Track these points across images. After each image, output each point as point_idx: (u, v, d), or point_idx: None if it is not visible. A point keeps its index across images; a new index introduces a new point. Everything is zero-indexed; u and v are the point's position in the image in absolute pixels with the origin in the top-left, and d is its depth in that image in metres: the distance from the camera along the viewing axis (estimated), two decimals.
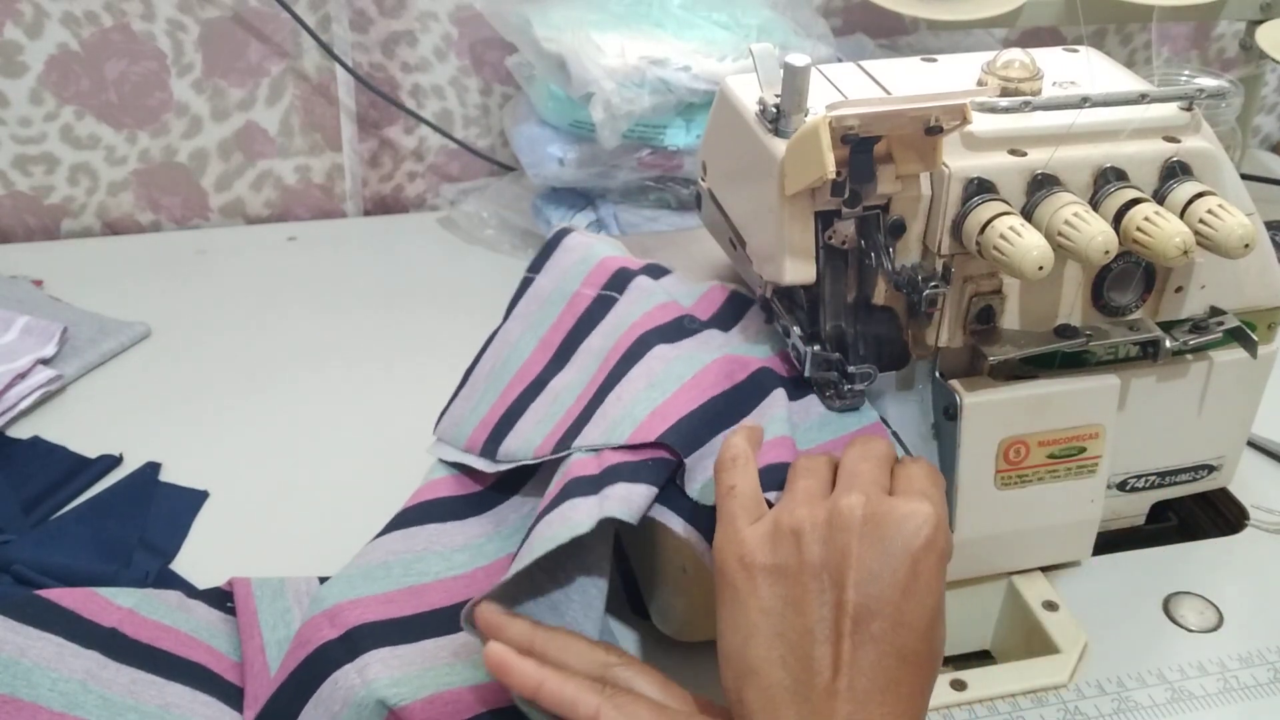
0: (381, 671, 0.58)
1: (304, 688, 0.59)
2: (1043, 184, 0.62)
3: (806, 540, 0.51)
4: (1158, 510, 0.76)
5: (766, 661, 0.50)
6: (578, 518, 0.57)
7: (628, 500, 0.58)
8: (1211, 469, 0.74)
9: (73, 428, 0.83)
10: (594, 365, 0.69)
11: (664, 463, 0.60)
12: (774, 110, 0.62)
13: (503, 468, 0.69)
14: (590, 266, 0.74)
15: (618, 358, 0.67)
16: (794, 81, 0.61)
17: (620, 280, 0.72)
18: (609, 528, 0.59)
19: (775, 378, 0.65)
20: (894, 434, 0.65)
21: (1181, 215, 0.62)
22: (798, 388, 0.65)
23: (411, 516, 0.69)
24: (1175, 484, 0.74)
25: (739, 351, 0.68)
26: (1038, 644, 0.68)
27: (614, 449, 0.62)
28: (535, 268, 0.77)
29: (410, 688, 0.57)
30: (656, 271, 0.74)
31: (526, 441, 0.68)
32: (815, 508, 0.52)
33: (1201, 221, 0.61)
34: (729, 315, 0.72)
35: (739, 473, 0.55)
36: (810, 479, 0.54)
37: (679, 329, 0.69)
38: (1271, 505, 0.78)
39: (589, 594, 0.60)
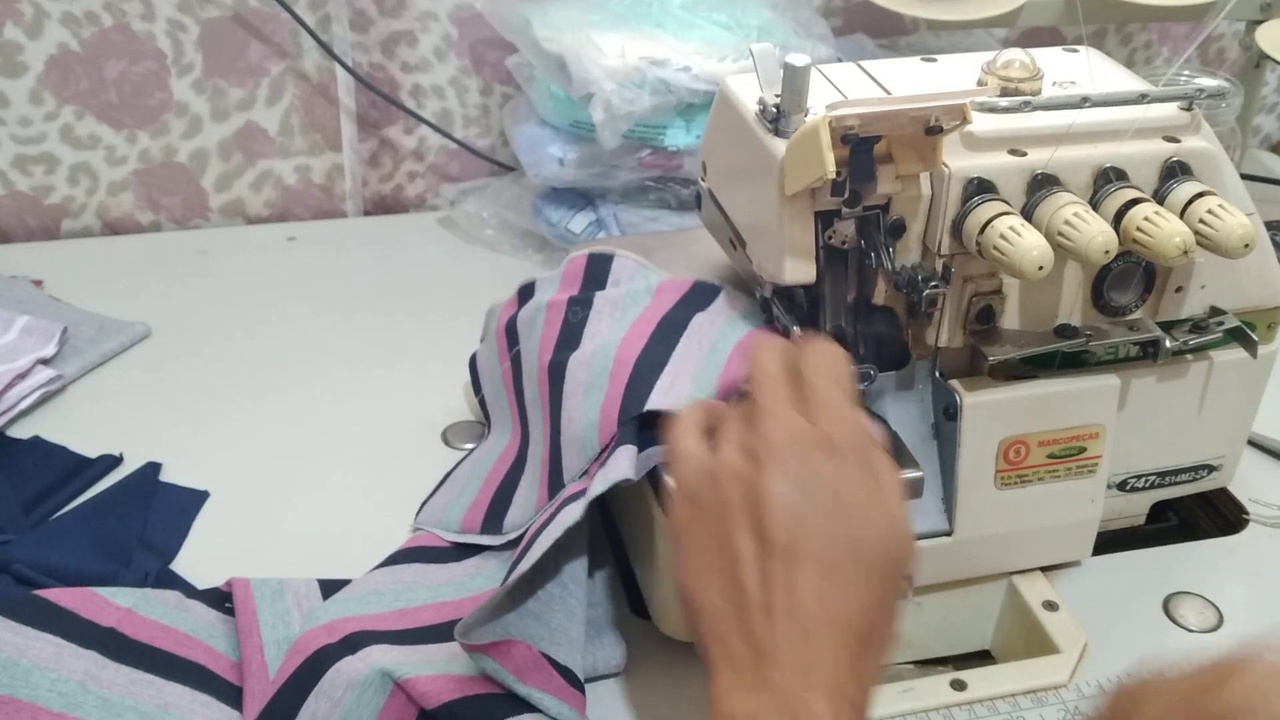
0: (384, 655, 0.59)
1: (305, 683, 0.59)
2: (1043, 184, 0.62)
3: (724, 482, 0.51)
4: (1158, 510, 0.76)
5: (707, 594, 0.50)
6: (570, 515, 0.58)
7: (606, 473, 0.60)
8: (1211, 469, 0.74)
9: (73, 428, 0.83)
10: (537, 412, 0.71)
11: (633, 425, 0.62)
12: (774, 110, 0.62)
13: (510, 536, 0.70)
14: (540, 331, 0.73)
15: (546, 390, 0.69)
16: (794, 81, 0.61)
17: (564, 340, 0.71)
18: (584, 530, 0.61)
19: (693, 303, 0.68)
20: (894, 434, 0.65)
21: (1181, 215, 0.62)
22: (709, 294, 0.69)
23: (398, 558, 0.71)
24: (1175, 484, 0.74)
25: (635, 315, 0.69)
26: (1038, 644, 0.68)
27: (595, 460, 0.63)
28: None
29: (412, 667, 0.59)
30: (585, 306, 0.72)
31: (527, 504, 0.70)
32: (731, 452, 0.52)
33: (1201, 221, 0.61)
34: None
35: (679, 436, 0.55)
36: (730, 424, 0.54)
37: (570, 332, 0.70)
38: (1269, 501, 0.78)
39: (568, 603, 0.62)
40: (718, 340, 0.65)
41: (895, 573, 0.50)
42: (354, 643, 0.61)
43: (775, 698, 0.46)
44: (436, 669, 0.59)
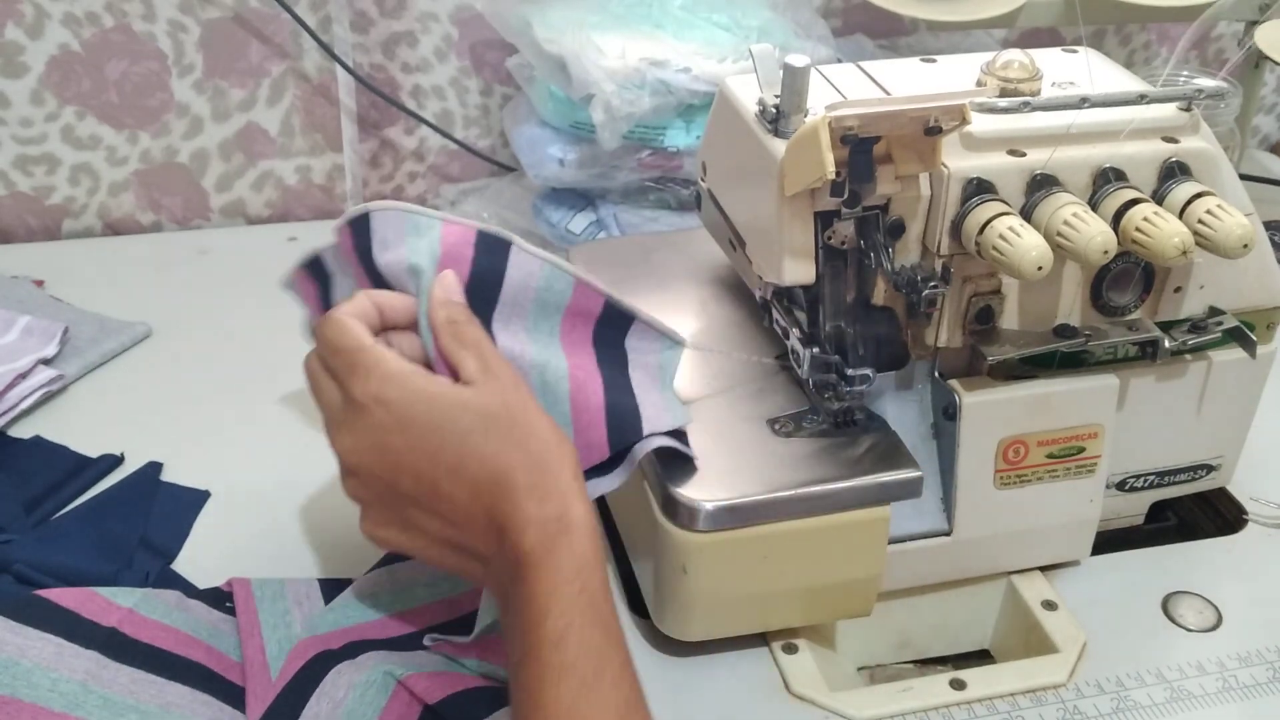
0: (384, 659, 0.59)
1: (306, 686, 0.59)
2: (1042, 184, 0.62)
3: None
4: (1157, 510, 0.77)
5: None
6: None
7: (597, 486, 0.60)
8: (1210, 469, 0.74)
9: (74, 428, 0.83)
10: None
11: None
12: (774, 111, 0.62)
13: None
14: None
15: None
16: (794, 82, 0.61)
17: None
18: None
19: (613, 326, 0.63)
20: (894, 434, 0.65)
21: (1180, 215, 0.62)
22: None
23: (393, 557, 0.70)
24: (1174, 484, 0.74)
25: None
26: (1037, 643, 0.69)
27: None
28: None
29: (413, 668, 0.59)
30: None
31: None
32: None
33: (1200, 222, 0.61)
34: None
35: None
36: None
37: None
38: (1269, 501, 0.78)
39: None
40: (664, 368, 0.64)
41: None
42: (354, 650, 0.61)
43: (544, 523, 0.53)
44: (437, 667, 0.60)
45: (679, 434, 0.62)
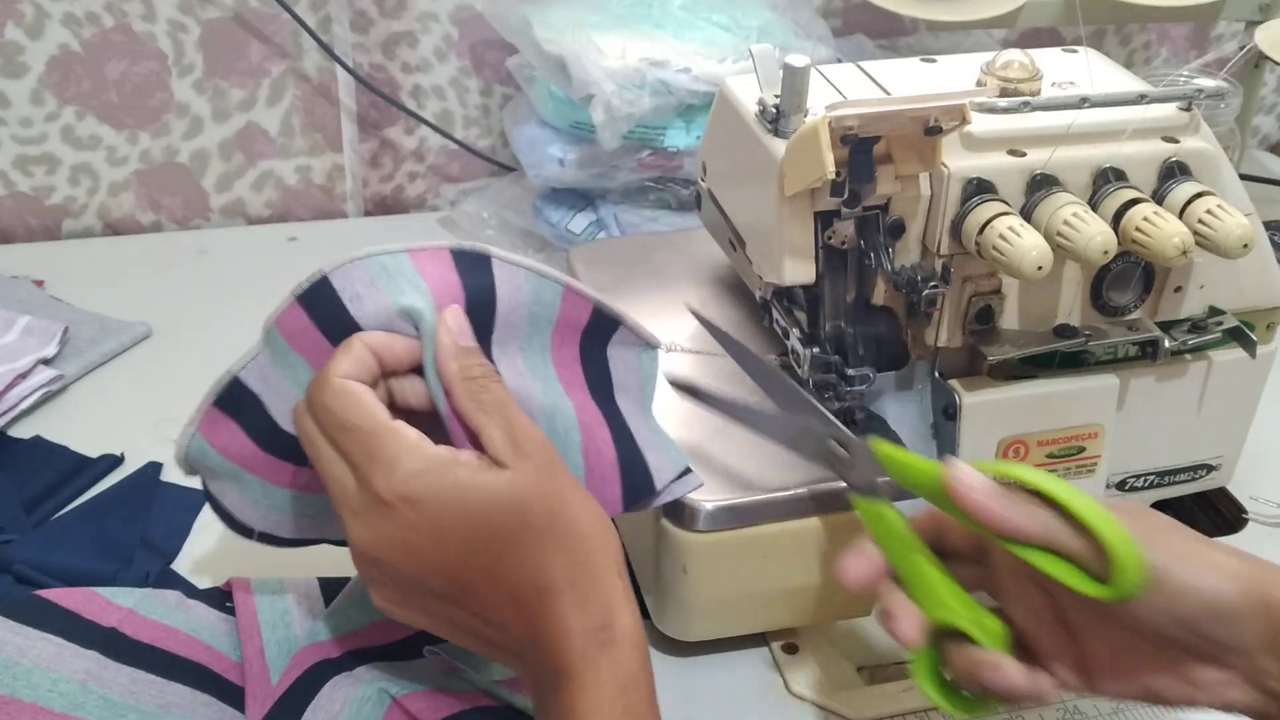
0: (381, 672, 0.59)
1: (303, 697, 0.59)
2: (1042, 184, 0.62)
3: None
4: (1157, 509, 0.76)
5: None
6: None
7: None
8: (1210, 469, 0.74)
9: (74, 427, 0.83)
10: None
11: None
12: (774, 111, 0.62)
13: None
14: None
15: None
16: (794, 82, 0.61)
17: None
18: None
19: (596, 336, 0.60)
20: (894, 433, 0.65)
21: (1180, 215, 0.62)
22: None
23: None
24: (1174, 483, 0.74)
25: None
26: None
27: None
28: None
29: (409, 684, 0.59)
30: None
31: None
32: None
33: (1200, 222, 0.61)
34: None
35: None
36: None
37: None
38: (1269, 500, 0.78)
39: None
40: (644, 387, 0.62)
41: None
42: (353, 660, 0.60)
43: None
44: (435, 683, 0.59)
45: (684, 473, 0.61)
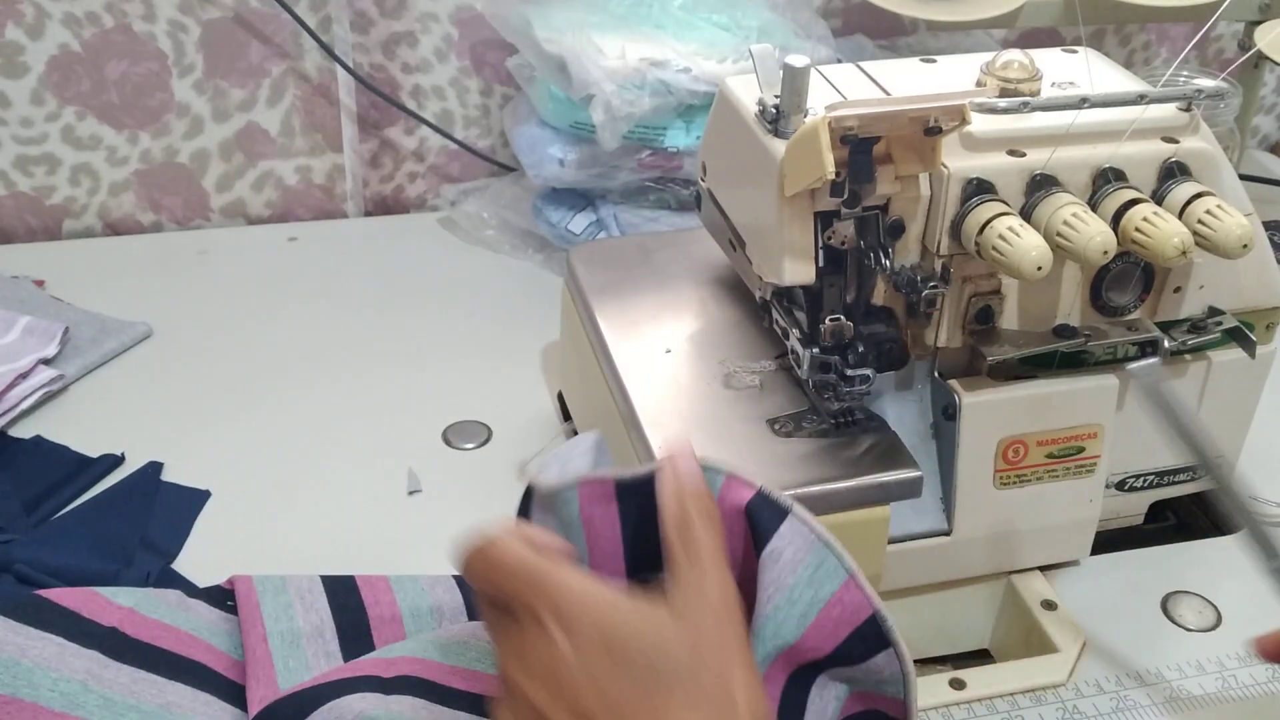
0: (373, 705, 0.57)
1: (322, 696, 0.58)
2: (1041, 184, 0.62)
3: None
4: (1156, 509, 0.77)
5: None
6: None
7: None
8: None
9: (74, 427, 0.83)
10: None
11: None
12: (774, 111, 0.62)
13: None
14: None
15: None
16: (793, 82, 0.61)
17: None
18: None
19: None
20: (894, 434, 0.65)
21: (1180, 216, 0.62)
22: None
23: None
24: (1174, 483, 0.74)
25: None
26: (1036, 643, 0.69)
27: None
28: None
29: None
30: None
31: None
32: None
33: (1200, 222, 0.61)
34: None
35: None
36: None
37: None
38: (1268, 500, 0.78)
39: None
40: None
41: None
42: (399, 685, 0.58)
43: None
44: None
45: None
